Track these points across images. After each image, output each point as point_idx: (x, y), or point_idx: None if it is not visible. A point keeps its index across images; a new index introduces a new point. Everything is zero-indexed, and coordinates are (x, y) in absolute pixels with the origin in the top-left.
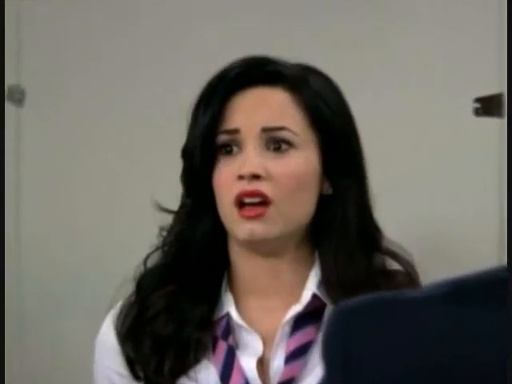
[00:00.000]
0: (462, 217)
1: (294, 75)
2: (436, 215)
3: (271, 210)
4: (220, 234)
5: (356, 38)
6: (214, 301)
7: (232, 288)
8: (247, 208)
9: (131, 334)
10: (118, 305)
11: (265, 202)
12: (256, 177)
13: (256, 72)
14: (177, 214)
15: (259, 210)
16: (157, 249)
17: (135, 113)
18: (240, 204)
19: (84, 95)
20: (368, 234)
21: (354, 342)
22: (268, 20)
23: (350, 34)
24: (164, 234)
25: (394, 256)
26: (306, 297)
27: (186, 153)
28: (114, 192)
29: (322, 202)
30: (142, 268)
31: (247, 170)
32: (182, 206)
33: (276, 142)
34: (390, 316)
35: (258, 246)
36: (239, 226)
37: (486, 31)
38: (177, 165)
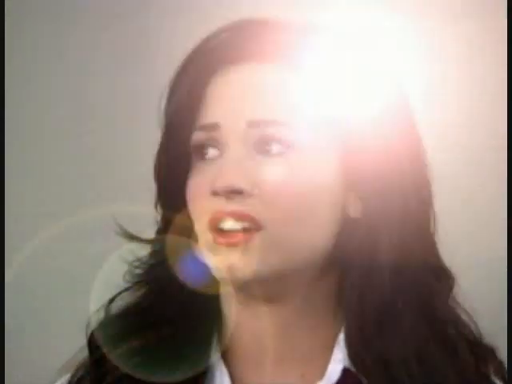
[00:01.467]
0: None
1: (303, 46)
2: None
3: (261, 237)
4: None
5: None
6: (198, 365)
7: (225, 352)
8: (230, 234)
9: None
10: (66, 376)
11: (252, 227)
12: (237, 192)
13: (247, 43)
14: (151, 242)
15: (244, 235)
16: (125, 290)
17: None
18: (218, 231)
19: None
20: (417, 283)
21: None
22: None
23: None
24: (138, 271)
25: (452, 322)
26: (334, 373)
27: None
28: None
29: (351, 226)
30: (101, 317)
31: (222, 183)
32: (158, 231)
33: (265, 143)
34: None
35: (244, 289)
36: (214, 258)
37: (486, 30)
38: None
